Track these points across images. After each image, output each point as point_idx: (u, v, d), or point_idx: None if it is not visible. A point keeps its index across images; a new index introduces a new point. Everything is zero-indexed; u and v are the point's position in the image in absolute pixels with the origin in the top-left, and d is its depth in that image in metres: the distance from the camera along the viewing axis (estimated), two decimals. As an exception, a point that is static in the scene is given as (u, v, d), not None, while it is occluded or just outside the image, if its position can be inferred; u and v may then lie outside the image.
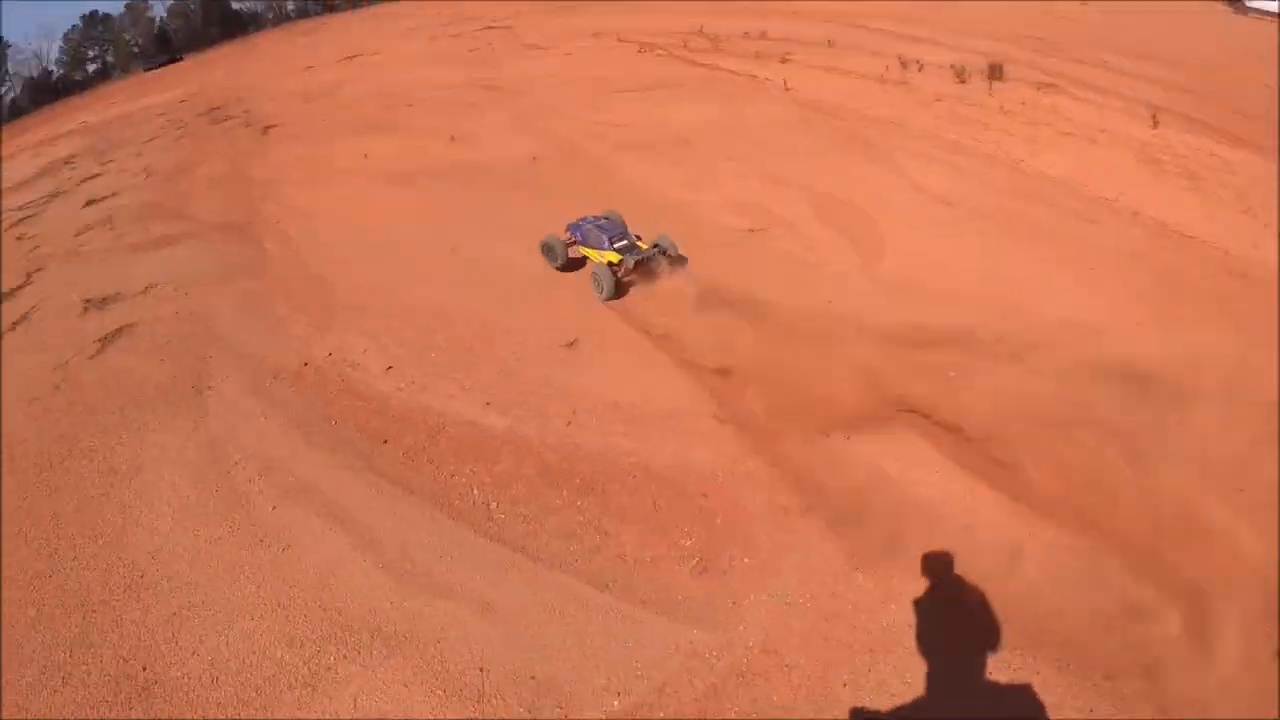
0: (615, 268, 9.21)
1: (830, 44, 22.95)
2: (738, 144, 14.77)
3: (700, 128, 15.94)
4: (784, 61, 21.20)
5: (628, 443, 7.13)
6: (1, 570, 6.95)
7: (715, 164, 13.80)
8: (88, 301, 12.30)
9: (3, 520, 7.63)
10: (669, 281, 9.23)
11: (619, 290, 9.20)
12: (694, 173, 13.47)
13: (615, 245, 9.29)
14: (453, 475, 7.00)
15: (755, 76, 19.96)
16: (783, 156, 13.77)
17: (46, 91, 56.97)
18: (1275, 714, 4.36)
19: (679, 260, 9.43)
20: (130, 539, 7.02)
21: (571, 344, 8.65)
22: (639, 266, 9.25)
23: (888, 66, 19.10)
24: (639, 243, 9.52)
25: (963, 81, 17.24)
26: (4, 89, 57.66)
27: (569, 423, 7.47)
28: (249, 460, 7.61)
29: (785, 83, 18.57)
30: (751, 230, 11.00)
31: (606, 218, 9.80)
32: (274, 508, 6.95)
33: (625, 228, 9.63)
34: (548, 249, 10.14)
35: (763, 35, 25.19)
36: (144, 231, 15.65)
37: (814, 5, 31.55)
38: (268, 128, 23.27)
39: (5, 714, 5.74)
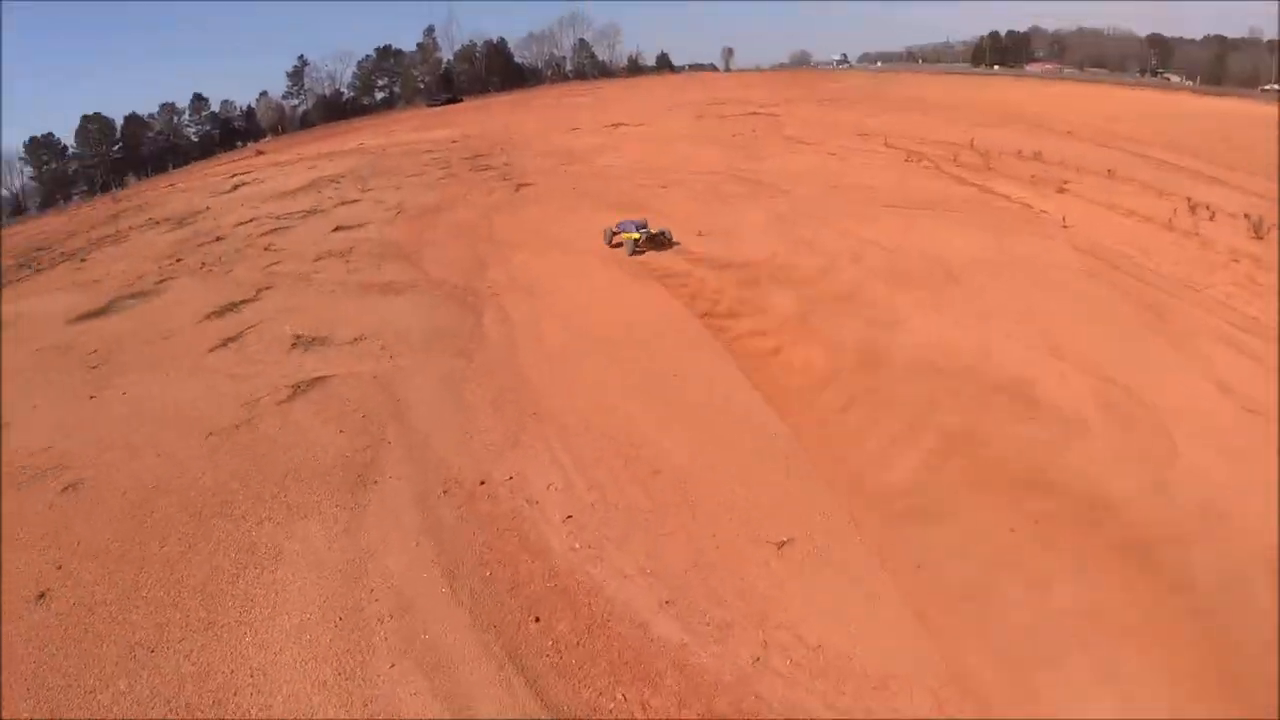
0: (636, 242, 16.94)
1: (1110, 174, 21.14)
2: (1011, 290, 13.22)
3: (970, 262, 14.54)
4: (1061, 191, 19.64)
5: (821, 709, 5.74)
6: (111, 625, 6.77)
7: (985, 314, 12.27)
8: (298, 338, 12.91)
9: (130, 563, 7.66)
10: None
11: (638, 253, 16.77)
12: (961, 321, 12.04)
13: (638, 230, 17.00)
14: (599, 695, 5.94)
15: (1030, 206, 18.50)
16: (1061, 316, 12.04)
17: (336, 110, 65.95)
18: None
19: (673, 243, 17.14)
20: (239, 643, 6.68)
21: (784, 544, 7.39)
22: (651, 241, 17.00)
23: (1176, 210, 17.27)
24: (651, 230, 17.21)
25: (1259, 237, 15.41)
26: (298, 102, 67.36)
27: (756, 659, 6.19)
28: (387, 592, 7.07)
29: (1064, 219, 16.91)
30: (1027, 420, 9.34)
31: (636, 220, 17.59)
32: (392, 665, 6.26)
33: (646, 224, 17.31)
34: (605, 232, 17.72)
35: (1037, 156, 23.72)
36: (376, 271, 16.63)
37: (1087, 122, 29.90)
38: (521, 185, 24.59)
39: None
